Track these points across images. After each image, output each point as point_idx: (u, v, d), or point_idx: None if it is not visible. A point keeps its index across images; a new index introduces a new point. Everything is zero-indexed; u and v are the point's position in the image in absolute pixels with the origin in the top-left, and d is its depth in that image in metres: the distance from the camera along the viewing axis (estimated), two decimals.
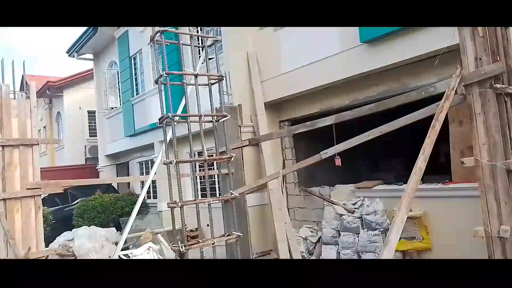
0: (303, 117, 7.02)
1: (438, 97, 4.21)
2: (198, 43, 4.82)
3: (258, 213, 6.95)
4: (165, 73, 4.04)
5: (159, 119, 4.07)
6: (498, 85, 3.36)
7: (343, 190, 6.42)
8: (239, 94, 7.06)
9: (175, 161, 3.92)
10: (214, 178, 8.09)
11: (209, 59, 4.71)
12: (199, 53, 7.47)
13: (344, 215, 5.96)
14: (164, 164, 4.03)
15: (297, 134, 5.99)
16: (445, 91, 3.97)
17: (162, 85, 4.10)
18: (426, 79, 5.25)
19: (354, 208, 5.96)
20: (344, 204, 6.13)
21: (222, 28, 7.22)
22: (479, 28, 3.50)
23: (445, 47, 4.23)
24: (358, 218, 5.79)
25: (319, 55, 6.23)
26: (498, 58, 3.42)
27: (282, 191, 7.10)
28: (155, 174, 6.29)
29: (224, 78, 4.64)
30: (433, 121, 3.44)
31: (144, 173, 11.94)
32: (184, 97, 4.94)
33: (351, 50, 5.79)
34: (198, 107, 4.23)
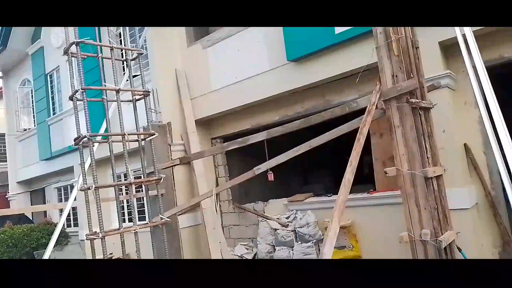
0: (235, 133, 7.02)
1: (360, 112, 4.50)
2: (125, 58, 4.52)
3: (191, 234, 6.71)
4: (81, 89, 3.72)
5: (74, 140, 3.71)
6: (413, 100, 3.66)
7: (276, 204, 6.48)
8: (168, 112, 6.84)
9: (93, 186, 3.58)
10: (143, 201, 7.67)
11: (135, 76, 4.50)
12: (124, 70, 7.13)
13: (278, 229, 5.99)
14: (81, 190, 3.66)
15: (230, 151, 5.94)
16: (366, 106, 4.26)
17: (79, 102, 3.77)
18: (349, 96, 5.57)
19: (288, 222, 6.03)
20: (278, 218, 6.17)
21: (148, 44, 7.00)
22: (394, 48, 3.80)
23: (365, 65, 4.52)
24: (292, 231, 5.86)
25: (248, 73, 6.32)
26: (412, 75, 3.74)
27: (216, 210, 6.95)
28: (75, 200, 5.76)
29: (150, 93, 4.43)
30: (358, 134, 3.62)
31: (63, 200, 10.95)
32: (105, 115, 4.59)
33: (279, 68, 5.96)
34: (121, 125, 3.96)
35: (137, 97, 4.24)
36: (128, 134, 3.89)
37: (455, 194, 4.19)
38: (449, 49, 4.65)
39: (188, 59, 7.25)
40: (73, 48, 4.06)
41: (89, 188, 3.61)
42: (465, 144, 4.64)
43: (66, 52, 3.84)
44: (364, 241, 5.38)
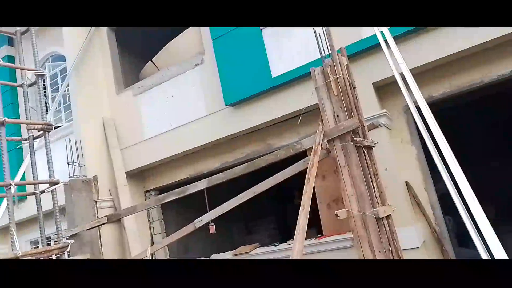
0: (172, 184, 6.50)
1: (301, 155, 4.36)
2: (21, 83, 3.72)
3: None
4: None
5: None
6: (357, 139, 3.59)
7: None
8: (95, 164, 6.17)
9: None
10: None
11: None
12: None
13: None
14: None
15: (167, 203, 5.41)
16: (309, 147, 4.13)
17: None
18: (290, 139, 5.46)
19: None
20: None
21: (71, 90, 6.42)
22: (334, 88, 3.78)
23: (305, 107, 4.46)
24: None
25: (184, 119, 6.00)
26: (352, 115, 3.70)
27: None
28: None
29: (52, 126, 3.77)
30: (307, 176, 3.42)
31: None
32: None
33: (217, 113, 5.73)
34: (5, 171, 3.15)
35: (37, 132, 3.49)
36: (15, 184, 3.03)
37: (404, 233, 4.09)
38: (382, 90, 4.79)
39: (118, 106, 6.76)
40: None
41: None
42: (406, 182, 4.67)
43: None
44: None
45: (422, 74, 4.48)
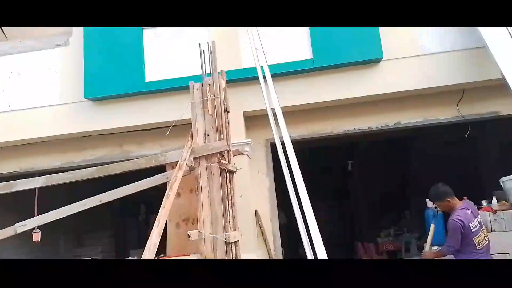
0: None
1: (158, 169, 4.15)
2: None
3: None
4: None
5: None
6: (223, 161, 3.62)
7: None
8: None
9: None
10: None
11: None
12: None
13: None
14: None
15: None
16: (174, 162, 3.96)
17: None
18: (151, 149, 5.17)
19: None
20: None
21: None
22: (209, 107, 3.76)
23: (176, 120, 4.32)
24: None
25: (28, 103, 5.08)
26: (222, 137, 3.73)
27: None
28: None
29: None
30: (168, 190, 3.26)
31: None
32: None
33: (71, 105, 5.05)
34: None
35: None
36: None
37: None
38: (249, 120, 5.02)
39: None
40: None
41: None
42: (256, 211, 4.91)
43: None
44: None
45: (285, 114, 4.91)
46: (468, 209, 3.66)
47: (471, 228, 3.53)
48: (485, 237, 3.65)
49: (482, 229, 3.66)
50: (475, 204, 4.31)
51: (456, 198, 3.73)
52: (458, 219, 3.51)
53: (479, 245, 3.55)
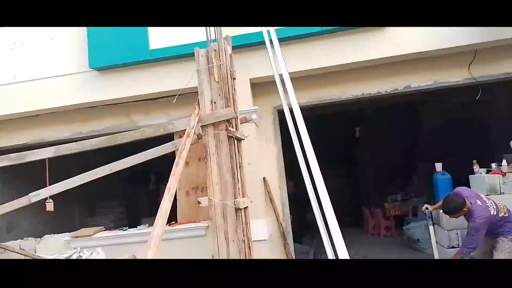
0: (6, 148, 5.40)
1: (165, 138, 4.15)
2: None
3: None
4: None
5: None
6: (231, 129, 3.60)
7: (54, 241, 5.19)
8: None
9: None
10: None
11: None
12: None
13: None
14: None
15: None
16: (180, 130, 3.97)
17: None
18: (156, 119, 5.16)
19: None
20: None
21: None
22: (215, 74, 3.71)
23: (182, 88, 4.28)
24: None
25: (33, 74, 5.05)
26: (229, 104, 3.70)
27: None
28: None
29: None
30: (176, 158, 3.26)
31: None
32: None
33: (77, 75, 5.01)
34: None
35: None
36: None
37: (256, 225, 4.30)
38: (256, 87, 4.95)
39: None
40: None
41: None
42: (264, 178, 4.94)
43: None
44: None
45: (292, 80, 4.83)
46: (478, 201, 3.79)
47: (491, 212, 3.71)
48: (504, 206, 3.86)
49: (498, 203, 3.85)
50: (485, 167, 4.34)
51: (467, 201, 3.81)
52: (481, 217, 3.67)
53: (505, 214, 3.78)
